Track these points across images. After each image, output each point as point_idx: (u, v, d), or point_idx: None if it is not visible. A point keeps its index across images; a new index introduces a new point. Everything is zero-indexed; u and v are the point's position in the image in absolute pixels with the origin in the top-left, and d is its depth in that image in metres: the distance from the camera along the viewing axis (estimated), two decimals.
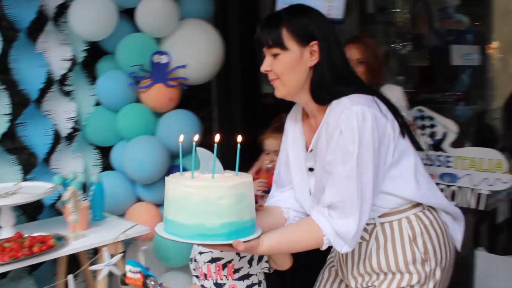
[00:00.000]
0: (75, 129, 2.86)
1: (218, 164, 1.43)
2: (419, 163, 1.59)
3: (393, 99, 2.55)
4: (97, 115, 2.88)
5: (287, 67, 1.52)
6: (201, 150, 1.45)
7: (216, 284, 1.76)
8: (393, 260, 1.57)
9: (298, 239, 1.50)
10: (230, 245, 1.37)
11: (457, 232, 1.70)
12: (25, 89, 2.65)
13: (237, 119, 3.74)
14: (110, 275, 2.16)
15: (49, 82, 2.72)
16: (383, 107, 1.52)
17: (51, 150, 2.77)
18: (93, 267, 2.15)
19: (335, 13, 4.54)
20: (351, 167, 1.42)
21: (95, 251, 2.39)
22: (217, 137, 1.44)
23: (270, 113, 2.67)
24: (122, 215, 2.82)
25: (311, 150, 1.61)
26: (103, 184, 2.51)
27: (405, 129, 1.56)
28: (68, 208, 2.22)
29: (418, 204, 1.60)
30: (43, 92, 2.71)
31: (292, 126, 1.73)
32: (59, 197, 2.57)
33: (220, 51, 2.94)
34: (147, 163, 2.70)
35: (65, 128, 2.80)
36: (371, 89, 1.58)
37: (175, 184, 1.38)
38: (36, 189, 2.38)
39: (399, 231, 1.58)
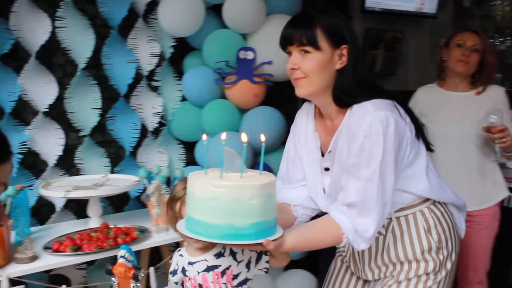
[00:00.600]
0: (161, 124, 2.91)
1: (243, 164, 1.40)
2: (429, 162, 1.65)
3: (497, 99, 2.43)
4: (183, 110, 2.92)
5: (318, 67, 1.52)
6: (227, 149, 1.41)
7: None
8: (410, 249, 1.65)
9: (318, 236, 1.53)
10: (260, 244, 1.36)
11: (462, 221, 1.79)
12: (115, 84, 2.74)
13: None
14: None
15: (137, 78, 2.79)
16: (402, 110, 1.56)
17: (138, 144, 2.85)
18: None
19: (428, 7, 4.36)
20: (374, 170, 1.47)
21: (177, 245, 2.41)
22: (244, 137, 1.43)
23: None
24: None
25: (329, 151, 1.63)
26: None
27: (419, 131, 1.62)
28: (152, 202, 2.26)
29: (428, 199, 1.67)
30: (132, 87, 2.79)
31: (304, 125, 1.73)
32: (144, 190, 2.63)
33: None
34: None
35: (152, 123, 2.87)
36: (390, 93, 1.60)
37: (204, 184, 1.33)
38: (123, 181, 2.46)
39: (415, 224, 1.66)
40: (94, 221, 2.38)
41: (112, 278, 1.50)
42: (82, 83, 2.65)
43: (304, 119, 1.74)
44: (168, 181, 2.73)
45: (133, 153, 2.84)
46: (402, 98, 1.60)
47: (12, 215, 2.14)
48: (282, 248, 1.45)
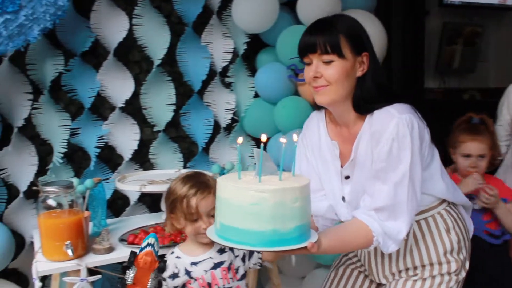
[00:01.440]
0: (234, 120, 2.92)
1: (272, 165, 1.35)
2: (442, 165, 1.69)
3: None
4: (255, 107, 2.91)
5: (341, 75, 1.53)
6: (257, 151, 1.34)
7: None
8: (434, 251, 1.67)
9: (350, 238, 1.52)
10: (304, 248, 1.33)
11: (470, 223, 1.82)
12: (189, 81, 2.77)
13: None
14: None
15: (211, 74, 2.80)
16: (419, 114, 1.59)
17: (210, 140, 2.86)
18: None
19: None
20: (403, 173, 1.48)
21: None
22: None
23: (433, 109, 2.49)
24: None
25: (351, 160, 1.63)
26: None
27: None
28: None
29: (444, 201, 1.70)
30: (205, 83, 2.81)
31: (316, 135, 1.74)
32: None
33: (383, 43, 2.79)
34: None
35: (224, 119, 2.88)
36: (406, 98, 1.61)
37: (244, 190, 1.26)
38: None
39: (435, 225, 1.68)
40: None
41: (127, 271, 1.45)
42: (157, 80, 2.70)
43: (314, 129, 1.75)
44: None
45: (206, 149, 2.86)
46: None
47: (90, 207, 2.20)
48: (319, 251, 1.41)
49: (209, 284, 1.67)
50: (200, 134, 2.83)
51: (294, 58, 2.71)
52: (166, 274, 1.66)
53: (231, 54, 2.84)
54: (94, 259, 1.99)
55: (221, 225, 1.32)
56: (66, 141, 2.54)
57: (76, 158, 2.63)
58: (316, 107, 1.76)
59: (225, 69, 2.87)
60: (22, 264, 2.52)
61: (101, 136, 2.61)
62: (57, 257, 1.95)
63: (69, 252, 1.92)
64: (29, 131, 2.50)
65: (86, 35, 2.53)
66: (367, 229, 1.50)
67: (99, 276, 1.93)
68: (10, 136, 2.43)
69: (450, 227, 1.69)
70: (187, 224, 1.67)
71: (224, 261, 1.71)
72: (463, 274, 1.69)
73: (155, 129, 2.74)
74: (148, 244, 1.46)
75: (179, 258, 1.70)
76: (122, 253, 2.04)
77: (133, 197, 2.68)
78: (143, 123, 2.72)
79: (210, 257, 1.70)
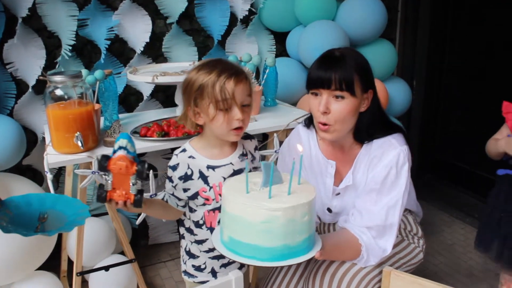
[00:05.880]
0: (251, 12, 2.74)
1: (278, 174, 1.33)
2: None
3: None
4: None
5: (349, 113, 1.54)
6: (265, 164, 1.29)
7: None
8: None
9: (344, 248, 1.58)
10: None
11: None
12: None
13: None
14: None
15: None
16: None
17: (227, 33, 2.71)
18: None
19: None
20: (397, 199, 1.57)
21: (264, 137, 2.31)
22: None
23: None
24: (294, 103, 2.70)
25: (349, 183, 1.68)
26: (276, 69, 2.38)
27: None
28: None
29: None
30: None
31: (307, 151, 1.75)
32: None
33: None
34: (324, 48, 2.44)
35: (242, 11, 2.71)
36: (398, 127, 1.67)
37: (256, 208, 1.22)
38: None
39: None
40: (181, 109, 2.29)
41: (104, 176, 1.27)
42: None
43: (305, 145, 1.76)
44: (258, 72, 2.59)
45: (221, 43, 2.72)
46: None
47: (101, 100, 2.10)
48: (321, 256, 1.40)
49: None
50: (216, 27, 2.67)
51: None
52: (176, 174, 1.46)
53: None
54: (106, 152, 1.90)
55: (230, 239, 1.29)
56: (74, 32, 2.40)
57: (85, 51, 2.51)
58: (306, 125, 1.78)
59: None
60: (35, 161, 2.48)
61: (111, 28, 2.46)
62: (67, 150, 1.87)
63: (79, 143, 1.84)
64: (35, 23, 2.37)
65: None
66: (357, 243, 1.58)
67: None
68: (14, 27, 2.29)
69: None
70: (218, 114, 1.38)
71: (244, 169, 1.51)
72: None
73: (168, 21, 2.59)
74: (120, 147, 1.23)
75: (193, 158, 1.47)
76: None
77: (146, 92, 2.57)
78: (155, 14, 2.57)
79: (231, 163, 1.49)
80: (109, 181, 1.26)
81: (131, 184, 1.27)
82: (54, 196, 1.45)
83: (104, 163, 1.24)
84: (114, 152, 1.25)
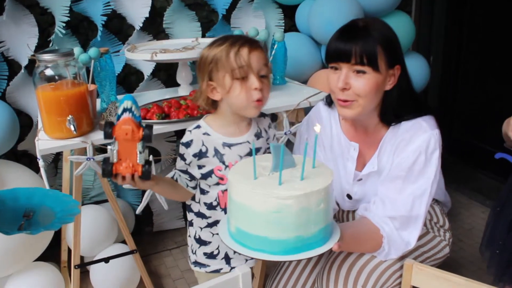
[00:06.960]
0: None
1: (291, 158, 1.20)
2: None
3: None
4: None
5: (373, 89, 1.40)
6: (273, 145, 1.17)
7: None
8: None
9: (364, 239, 1.45)
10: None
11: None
12: None
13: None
14: None
15: None
16: None
17: (232, 7, 2.56)
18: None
19: None
20: (425, 188, 1.44)
21: (273, 117, 2.16)
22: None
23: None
24: (305, 82, 2.54)
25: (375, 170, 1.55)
26: (285, 44, 2.22)
27: None
28: None
29: None
30: None
31: (328, 132, 1.62)
32: None
33: None
34: (336, 22, 2.32)
35: None
36: (429, 108, 1.52)
37: (265, 196, 1.09)
38: None
39: None
40: (183, 89, 2.16)
41: (109, 146, 1.19)
42: None
43: (326, 125, 1.63)
44: (265, 47, 2.43)
45: (226, 17, 2.57)
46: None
47: (97, 80, 1.95)
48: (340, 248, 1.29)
49: None
50: (220, 1, 2.51)
51: None
52: (190, 151, 1.38)
53: None
54: (102, 136, 1.75)
55: (238, 230, 1.18)
56: (68, 8, 2.24)
57: (81, 29, 2.36)
58: (328, 103, 1.63)
59: None
60: (31, 146, 2.35)
61: (107, 3, 2.30)
62: (59, 134, 1.72)
63: (72, 128, 1.70)
64: None
65: None
66: (378, 234, 1.46)
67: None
68: (3, 3, 2.14)
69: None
70: (235, 83, 1.30)
71: (261, 148, 1.46)
72: None
73: None
74: (125, 110, 1.15)
75: (208, 135, 1.39)
76: None
77: (147, 71, 2.43)
78: None
79: (247, 141, 1.42)
80: (115, 151, 1.18)
81: (138, 153, 1.18)
82: (43, 191, 1.32)
83: (109, 129, 1.17)
84: (118, 117, 1.17)
